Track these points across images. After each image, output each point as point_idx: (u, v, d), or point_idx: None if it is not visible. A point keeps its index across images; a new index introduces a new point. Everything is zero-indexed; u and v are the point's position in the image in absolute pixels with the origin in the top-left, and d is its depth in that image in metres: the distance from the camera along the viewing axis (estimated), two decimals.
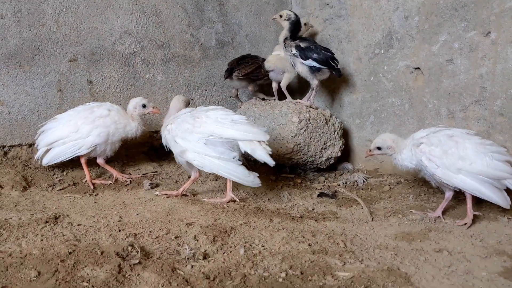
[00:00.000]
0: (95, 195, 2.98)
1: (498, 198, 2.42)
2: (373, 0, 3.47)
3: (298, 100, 3.53)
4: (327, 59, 3.33)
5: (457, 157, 2.44)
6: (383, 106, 3.53)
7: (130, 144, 3.41)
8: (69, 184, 3.12)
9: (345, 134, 3.76)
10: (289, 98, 3.61)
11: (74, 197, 2.90)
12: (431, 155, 2.50)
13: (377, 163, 3.61)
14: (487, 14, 2.85)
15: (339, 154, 3.52)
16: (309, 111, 3.41)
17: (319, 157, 3.45)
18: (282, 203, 2.97)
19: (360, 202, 2.91)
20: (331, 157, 3.50)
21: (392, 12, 3.36)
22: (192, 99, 3.48)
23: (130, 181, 3.17)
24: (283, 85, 3.60)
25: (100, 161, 3.17)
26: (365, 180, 3.37)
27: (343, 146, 3.53)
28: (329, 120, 3.50)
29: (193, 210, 2.73)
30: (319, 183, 3.40)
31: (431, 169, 2.51)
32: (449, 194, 2.63)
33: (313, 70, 3.36)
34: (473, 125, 2.99)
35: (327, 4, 3.85)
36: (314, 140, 3.40)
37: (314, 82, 3.39)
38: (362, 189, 3.29)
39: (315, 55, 3.31)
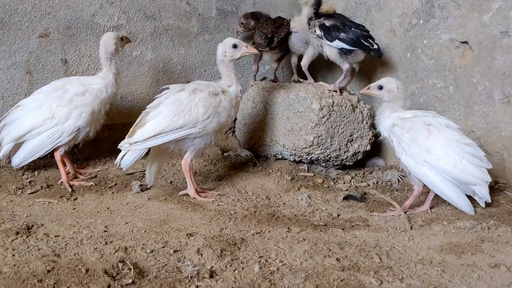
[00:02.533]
0: (74, 200, 2.99)
1: (460, 202, 2.74)
2: None
3: (320, 82, 3.55)
4: (359, 38, 3.33)
5: (424, 148, 2.72)
6: (422, 89, 3.52)
7: (113, 138, 3.41)
8: (42, 187, 3.14)
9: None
10: (310, 79, 3.62)
11: (49, 203, 2.92)
12: (400, 140, 2.81)
13: None
14: None
15: (368, 147, 3.53)
16: (332, 95, 3.42)
17: (345, 152, 3.46)
18: (300, 208, 2.99)
19: (396, 206, 2.91)
20: (359, 152, 3.52)
21: None
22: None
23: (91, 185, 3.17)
24: (304, 64, 3.61)
25: (58, 155, 3.12)
26: (400, 179, 3.36)
27: (373, 138, 3.53)
28: (356, 107, 3.52)
29: (194, 217, 2.75)
30: (344, 183, 3.40)
31: (398, 154, 2.85)
32: (417, 190, 2.86)
33: (343, 52, 3.38)
34: None
35: None
36: (338, 131, 3.43)
37: (344, 66, 3.41)
38: (396, 190, 3.29)
39: (343, 35, 3.32)
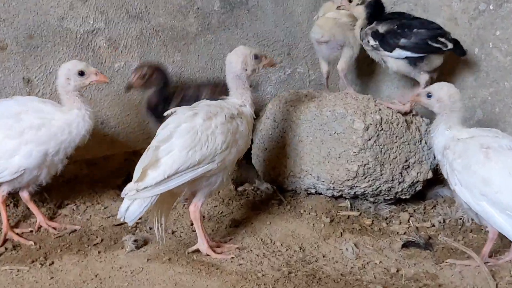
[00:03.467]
0: (50, 265, 2.94)
1: None
2: None
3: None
4: (425, 41, 3.32)
5: (480, 178, 2.74)
6: (497, 95, 3.49)
7: (95, 177, 3.38)
8: (6, 248, 3.08)
9: None
10: (349, 88, 3.62)
11: (18, 270, 2.87)
12: (453, 167, 2.85)
13: None
14: None
15: (430, 175, 3.51)
16: (380, 110, 3.40)
17: (400, 183, 3.44)
18: (346, 262, 2.96)
19: (473, 255, 2.87)
20: (418, 181, 3.49)
21: None
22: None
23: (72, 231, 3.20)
24: (342, 67, 3.62)
25: (24, 195, 3.15)
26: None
27: (436, 162, 3.38)
28: (412, 122, 3.50)
29: (211, 285, 2.70)
30: (400, 223, 3.38)
31: (452, 185, 2.90)
32: (492, 232, 2.86)
33: (412, 61, 3.38)
34: None
35: None
36: (390, 156, 3.41)
37: (422, 79, 3.42)
38: (471, 231, 3.26)
39: (403, 41, 3.33)
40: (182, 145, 2.80)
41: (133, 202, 2.79)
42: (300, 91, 3.86)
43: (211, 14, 3.88)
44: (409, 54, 3.33)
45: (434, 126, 3.01)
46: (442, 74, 3.64)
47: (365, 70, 3.99)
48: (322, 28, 3.58)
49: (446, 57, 3.60)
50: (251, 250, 3.05)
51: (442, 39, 3.33)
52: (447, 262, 2.92)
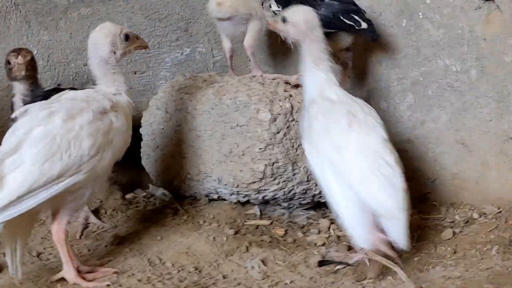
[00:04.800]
0: None
1: (355, 232, 2.80)
2: None
3: (278, 74, 3.48)
4: (336, 15, 3.27)
5: (334, 145, 2.80)
6: (430, 75, 3.45)
7: None
8: None
9: None
10: (257, 70, 3.51)
11: None
12: (311, 123, 2.89)
13: (425, 183, 3.56)
14: None
15: None
16: (290, 96, 3.27)
17: (317, 184, 3.19)
18: (251, 283, 2.82)
19: (398, 272, 2.71)
20: None
21: None
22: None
23: None
24: (249, 44, 3.47)
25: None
26: None
27: None
28: None
29: None
30: (319, 232, 3.28)
31: (302, 140, 2.97)
32: None
33: None
34: None
35: None
36: (304, 152, 3.15)
37: None
38: None
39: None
40: (35, 156, 2.57)
41: None
42: (200, 75, 3.73)
43: None
44: None
45: (302, 63, 2.99)
46: (365, 50, 3.68)
47: (280, 47, 3.83)
48: (221, 4, 3.42)
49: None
50: (133, 274, 2.85)
51: (356, 16, 3.28)
52: (370, 279, 2.83)
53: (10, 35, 3.55)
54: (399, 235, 2.74)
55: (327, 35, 3.11)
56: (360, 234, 2.78)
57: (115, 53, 2.81)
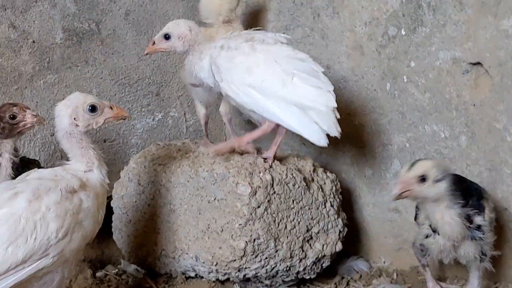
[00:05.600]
0: None
1: (304, 130, 3.06)
2: None
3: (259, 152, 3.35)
4: None
5: (245, 69, 3.03)
6: (417, 141, 3.44)
7: None
8: None
9: (347, 201, 3.62)
10: (232, 138, 3.47)
11: None
12: (217, 63, 3.11)
13: (415, 258, 3.33)
14: None
15: (339, 246, 3.35)
16: (270, 167, 3.20)
17: (301, 259, 3.22)
18: None
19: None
20: (325, 256, 3.31)
21: None
22: None
23: None
24: (226, 110, 3.49)
25: None
26: None
27: (346, 229, 3.37)
28: (312, 180, 3.32)
29: None
30: None
31: (218, 83, 3.13)
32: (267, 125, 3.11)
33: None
34: None
35: None
36: (286, 227, 3.20)
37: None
38: None
39: None
40: None
41: None
42: (173, 143, 3.67)
43: (52, 48, 3.64)
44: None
45: (190, 66, 3.23)
46: (347, 115, 3.67)
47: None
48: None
49: (350, 94, 3.68)
50: None
51: None
52: None
53: None
54: (329, 125, 3.05)
55: None
56: (305, 126, 3.07)
57: (77, 125, 2.72)
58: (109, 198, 3.32)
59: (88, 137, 2.77)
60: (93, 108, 2.73)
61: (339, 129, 3.05)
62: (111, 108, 2.78)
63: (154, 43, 3.24)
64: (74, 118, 2.72)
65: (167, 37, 3.21)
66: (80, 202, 2.65)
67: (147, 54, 3.35)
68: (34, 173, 2.78)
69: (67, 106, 2.72)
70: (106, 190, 2.82)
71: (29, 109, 3.03)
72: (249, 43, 3.11)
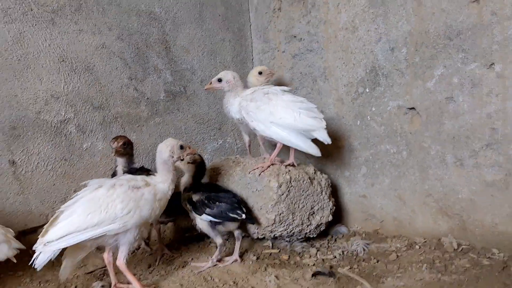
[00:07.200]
0: None
1: (306, 146, 3.13)
2: (350, 30, 3.59)
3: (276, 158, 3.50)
4: (224, 212, 3.15)
5: (268, 112, 3.13)
6: (376, 155, 3.58)
7: None
8: None
9: (334, 191, 3.78)
10: (266, 154, 3.61)
11: None
12: (248, 110, 3.19)
13: (376, 223, 3.63)
14: (488, 43, 2.90)
15: (330, 218, 3.54)
16: (289, 171, 3.43)
17: (307, 225, 3.46)
18: None
19: (365, 284, 2.83)
20: (322, 223, 3.52)
21: (374, 43, 3.45)
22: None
23: None
24: (261, 137, 3.51)
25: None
26: (365, 247, 3.36)
27: (334, 208, 3.56)
28: (314, 178, 3.53)
29: None
30: (310, 257, 3.32)
31: (249, 122, 3.20)
32: (279, 146, 3.28)
33: (212, 224, 3.21)
34: (487, 173, 3.04)
35: (295, 37, 3.93)
36: (299, 206, 3.40)
37: (217, 239, 3.19)
38: (363, 261, 3.23)
39: (207, 210, 3.15)
40: (82, 210, 2.62)
41: (40, 253, 2.58)
42: (229, 157, 3.80)
43: (158, 102, 3.87)
44: (211, 219, 3.16)
45: (226, 101, 3.30)
46: (334, 140, 3.46)
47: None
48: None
49: (335, 127, 3.67)
50: (195, 287, 2.91)
51: (238, 211, 3.13)
52: None
53: (112, 136, 3.35)
54: (324, 138, 3.11)
55: (219, 223, 3.15)
56: (308, 146, 3.09)
57: (172, 157, 2.85)
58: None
59: (173, 166, 2.87)
60: (181, 147, 2.90)
61: (329, 140, 3.12)
62: (189, 147, 2.95)
63: (211, 83, 3.31)
64: (172, 153, 2.87)
65: (219, 80, 3.28)
66: (142, 194, 2.72)
67: (206, 89, 3.35)
68: (127, 176, 2.90)
69: (167, 146, 2.89)
70: (167, 198, 2.86)
71: (118, 142, 3.02)
72: (266, 95, 3.18)
